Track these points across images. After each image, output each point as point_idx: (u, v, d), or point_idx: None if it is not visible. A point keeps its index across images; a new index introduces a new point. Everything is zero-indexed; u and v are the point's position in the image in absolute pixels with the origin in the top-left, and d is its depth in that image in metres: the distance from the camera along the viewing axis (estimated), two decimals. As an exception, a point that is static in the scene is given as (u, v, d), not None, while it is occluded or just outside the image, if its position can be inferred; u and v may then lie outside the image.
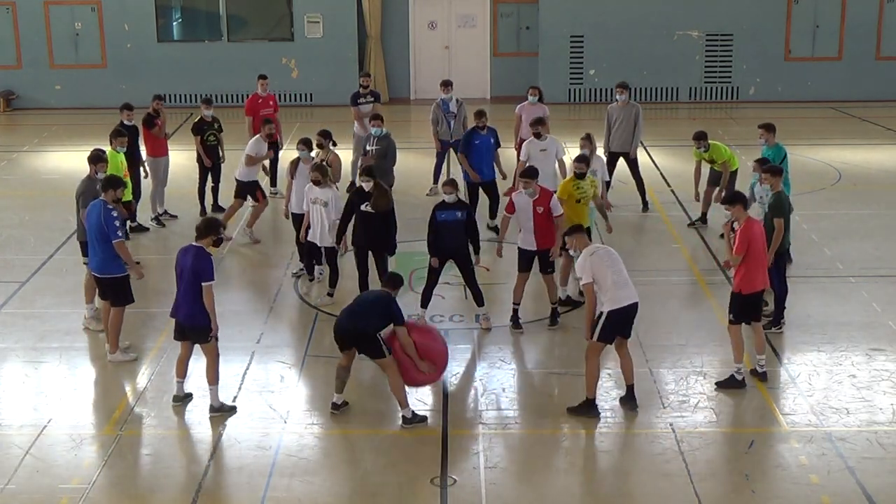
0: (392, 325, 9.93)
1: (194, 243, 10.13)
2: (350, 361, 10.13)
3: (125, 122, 15.54)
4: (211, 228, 10.19)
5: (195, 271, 9.98)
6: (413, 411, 10.00)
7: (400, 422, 9.98)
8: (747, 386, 10.63)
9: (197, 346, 10.32)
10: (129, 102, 16.08)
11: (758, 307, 10.85)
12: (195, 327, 10.13)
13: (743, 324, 10.70)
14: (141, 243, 15.36)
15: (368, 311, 9.92)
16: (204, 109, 16.53)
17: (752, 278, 10.61)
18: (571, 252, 10.87)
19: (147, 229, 15.91)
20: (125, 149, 14.48)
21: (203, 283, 9.98)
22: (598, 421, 10.00)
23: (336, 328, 10.07)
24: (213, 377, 10.24)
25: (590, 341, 10.09)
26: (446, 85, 17.21)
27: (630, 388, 10.31)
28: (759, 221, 10.95)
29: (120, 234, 11.11)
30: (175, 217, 16.42)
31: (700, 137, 15.19)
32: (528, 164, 13.33)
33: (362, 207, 12.17)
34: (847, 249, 14.80)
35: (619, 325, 10.07)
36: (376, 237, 12.28)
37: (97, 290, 11.66)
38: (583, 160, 12.71)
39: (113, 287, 11.27)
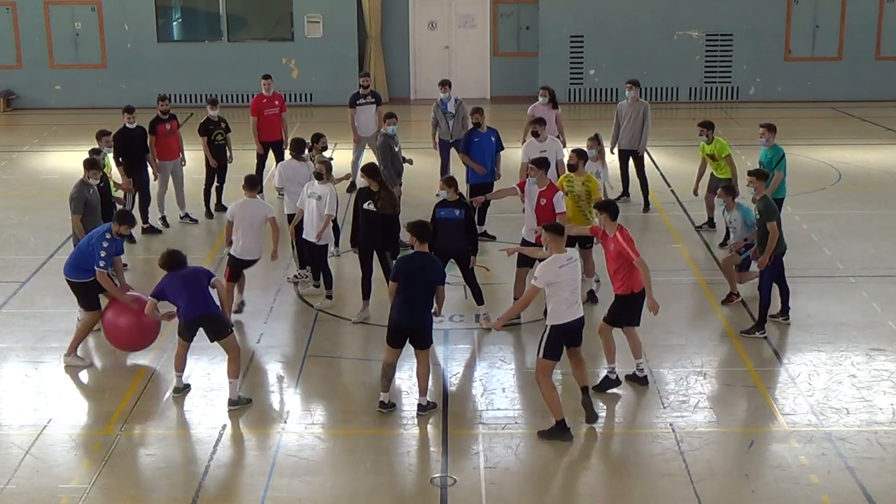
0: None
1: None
2: (397, 358, 10.21)
3: (127, 125, 15.46)
4: (176, 260, 10.52)
5: (202, 273, 10.57)
6: (428, 400, 10.20)
7: (415, 409, 10.14)
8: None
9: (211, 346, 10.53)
10: (131, 105, 15.96)
11: (635, 311, 10.56)
12: (215, 318, 10.37)
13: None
14: (151, 246, 15.37)
15: (424, 303, 10.08)
16: (210, 110, 16.48)
17: (635, 278, 10.37)
18: (544, 249, 10.41)
19: (160, 231, 15.88)
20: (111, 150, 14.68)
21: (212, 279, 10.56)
22: (572, 443, 9.63)
23: (396, 326, 10.04)
24: (235, 371, 10.32)
25: (538, 360, 9.63)
26: (444, 84, 17.12)
27: (585, 389, 9.98)
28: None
29: (102, 265, 11.14)
30: (195, 221, 16.38)
31: (707, 126, 15.03)
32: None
33: (365, 206, 12.17)
34: (847, 249, 14.80)
35: (565, 338, 9.67)
36: (379, 236, 12.28)
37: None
38: (578, 154, 12.68)
39: (79, 291, 11.41)
